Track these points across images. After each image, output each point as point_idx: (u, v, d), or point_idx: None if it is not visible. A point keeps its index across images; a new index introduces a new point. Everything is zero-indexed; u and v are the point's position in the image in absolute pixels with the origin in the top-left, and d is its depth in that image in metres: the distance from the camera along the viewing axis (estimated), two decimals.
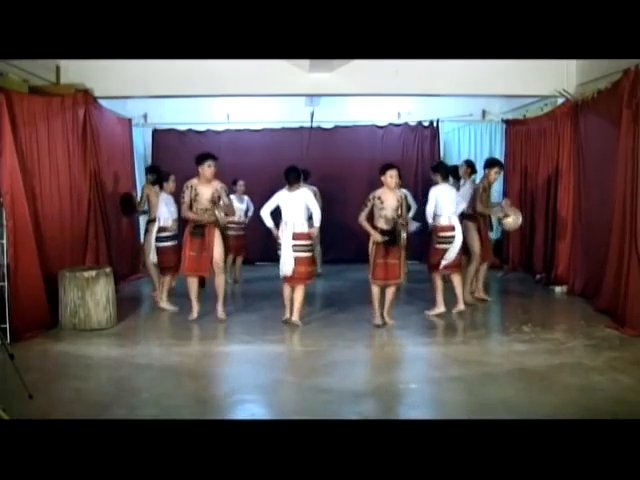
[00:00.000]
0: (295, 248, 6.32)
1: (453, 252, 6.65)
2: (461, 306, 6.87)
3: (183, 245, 6.67)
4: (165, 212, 7.21)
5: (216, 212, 6.76)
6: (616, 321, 6.16)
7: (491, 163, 7.58)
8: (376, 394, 4.61)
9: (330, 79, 8.01)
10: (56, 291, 6.40)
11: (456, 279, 6.84)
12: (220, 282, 6.69)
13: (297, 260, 6.31)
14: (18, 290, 5.91)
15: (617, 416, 3.94)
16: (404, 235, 6.21)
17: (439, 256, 6.69)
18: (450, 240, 6.66)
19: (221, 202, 6.66)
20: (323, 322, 6.72)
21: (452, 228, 6.68)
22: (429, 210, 6.77)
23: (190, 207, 6.54)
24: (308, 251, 6.45)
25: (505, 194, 9.52)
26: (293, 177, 6.49)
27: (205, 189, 6.54)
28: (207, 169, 6.49)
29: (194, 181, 6.56)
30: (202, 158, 6.54)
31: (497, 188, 10.54)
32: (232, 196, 8.54)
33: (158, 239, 7.20)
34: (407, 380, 4.92)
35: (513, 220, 7.45)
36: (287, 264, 6.29)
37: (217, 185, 6.59)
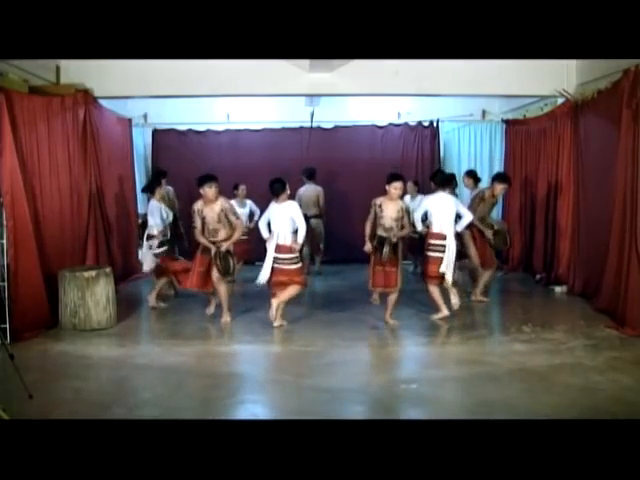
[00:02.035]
0: (278, 261, 6.31)
1: (451, 261, 6.52)
2: (455, 300, 6.64)
3: (193, 261, 6.72)
4: (151, 220, 7.25)
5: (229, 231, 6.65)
6: (616, 321, 6.16)
7: (501, 178, 7.57)
8: (376, 394, 4.61)
9: (330, 79, 8.00)
10: (56, 291, 6.40)
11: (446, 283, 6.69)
12: (221, 290, 6.65)
13: (281, 271, 6.31)
14: (18, 290, 5.91)
15: (617, 416, 3.94)
16: (386, 250, 6.20)
17: (432, 265, 6.57)
18: (441, 249, 6.54)
19: (232, 218, 6.58)
20: (323, 322, 6.72)
21: (443, 237, 6.55)
22: (417, 217, 6.77)
23: (202, 231, 6.58)
24: (294, 263, 6.36)
25: (504, 209, 9.60)
26: (277, 189, 6.41)
27: (210, 211, 6.54)
28: (208, 190, 6.47)
29: (199, 204, 6.58)
30: (202, 181, 6.51)
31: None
32: (233, 201, 8.54)
33: (150, 247, 7.25)
34: (407, 380, 4.92)
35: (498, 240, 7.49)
36: (264, 273, 6.32)
37: (223, 204, 6.57)
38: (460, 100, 10.21)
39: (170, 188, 8.80)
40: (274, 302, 6.32)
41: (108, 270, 6.63)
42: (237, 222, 6.61)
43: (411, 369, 5.42)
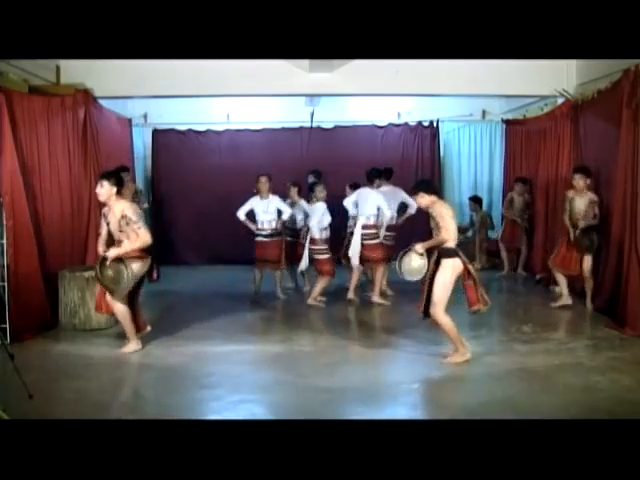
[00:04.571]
0: (364, 237, 7.25)
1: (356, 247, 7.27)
2: (375, 298, 7.35)
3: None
4: (314, 220, 7.26)
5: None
6: (616, 321, 6.16)
7: (574, 169, 7.00)
8: (376, 394, 4.61)
9: (330, 79, 8.00)
10: (56, 291, 6.40)
11: (378, 272, 7.39)
12: (119, 312, 5.49)
13: (367, 246, 7.24)
14: (18, 290, 5.91)
15: (617, 416, 3.94)
16: (579, 237, 6.69)
17: (375, 251, 7.30)
18: (371, 236, 7.34)
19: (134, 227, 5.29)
20: (323, 322, 6.72)
21: (373, 227, 7.39)
22: (352, 212, 7.55)
23: (107, 241, 5.52)
24: (374, 238, 7.34)
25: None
26: (373, 175, 7.47)
27: (112, 215, 5.35)
28: (99, 190, 5.35)
29: (105, 209, 5.50)
30: (100, 177, 5.48)
31: (498, 186, 10.59)
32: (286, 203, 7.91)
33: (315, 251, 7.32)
34: (408, 380, 4.92)
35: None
36: (355, 249, 7.23)
37: (126, 210, 5.27)
38: (460, 100, 10.21)
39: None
40: (377, 277, 7.38)
41: None
42: (139, 232, 5.27)
43: (412, 369, 5.40)
